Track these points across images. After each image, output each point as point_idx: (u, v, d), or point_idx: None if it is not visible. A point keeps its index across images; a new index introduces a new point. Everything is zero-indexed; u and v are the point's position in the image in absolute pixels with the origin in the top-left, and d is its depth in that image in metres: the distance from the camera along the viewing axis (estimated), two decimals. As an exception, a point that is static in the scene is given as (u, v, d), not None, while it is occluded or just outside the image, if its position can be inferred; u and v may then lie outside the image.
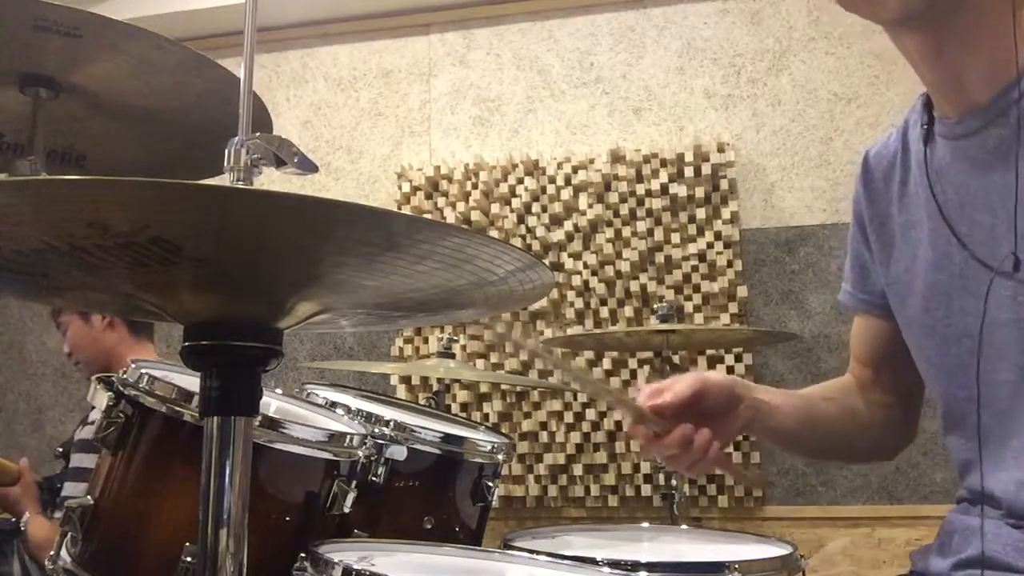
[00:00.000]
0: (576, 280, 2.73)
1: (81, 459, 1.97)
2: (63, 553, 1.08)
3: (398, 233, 0.63)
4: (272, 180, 0.91)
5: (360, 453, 1.14)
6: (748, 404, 1.08)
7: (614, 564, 1.07)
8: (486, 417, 2.71)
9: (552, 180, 2.80)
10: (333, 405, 1.32)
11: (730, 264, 2.66)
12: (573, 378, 1.05)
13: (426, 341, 2.82)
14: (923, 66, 0.98)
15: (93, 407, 2.02)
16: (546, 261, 2.57)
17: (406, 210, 2.88)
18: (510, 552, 1.14)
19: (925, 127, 1.02)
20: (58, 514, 2.01)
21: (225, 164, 0.81)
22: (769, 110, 2.77)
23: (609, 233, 2.73)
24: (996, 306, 0.93)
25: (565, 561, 1.06)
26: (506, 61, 3.00)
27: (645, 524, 1.57)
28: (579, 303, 2.73)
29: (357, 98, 3.12)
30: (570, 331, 2.67)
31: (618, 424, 2.65)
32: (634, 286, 2.69)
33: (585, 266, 2.74)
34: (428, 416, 1.57)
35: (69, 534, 1.08)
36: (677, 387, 1.03)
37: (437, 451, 1.30)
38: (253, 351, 0.73)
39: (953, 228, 0.97)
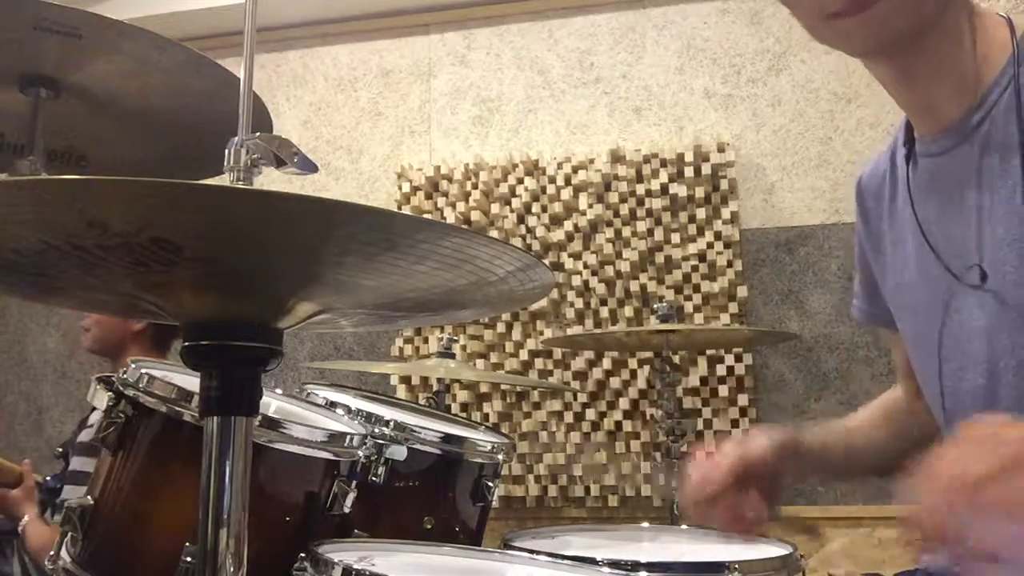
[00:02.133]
0: (576, 280, 2.73)
1: (81, 463, 1.97)
2: (63, 553, 1.08)
3: (398, 233, 0.63)
4: (272, 180, 0.91)
5: (360, 453, 1.14)
6: (793, 459, 1.13)
7: (614, 564, 1.07)
8: (486, 417, 2.71)
9: (552, 180, 2.80)
10: (333, 405, 1.32)
11: (730, 264, 2.66)
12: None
13: (426, 341, 2.82)
14: (895, 91, 1.02)
15: (92, 409, 2.01)
16: (546, 261, 2.57)
17: (406, 210, 2.88)
18: (510, 552, 1.14)
19: (907, 146, 1.05)
20: (57, 517, 2.00)
21: (225, 164, 0.81)
22: (769, 110, 2.77)
23: (609, 233, 2.73)
24: (968, 316, 0.96)
25: (565, 561, 1.06)
26: (506, 61, 3.00)
27: (645, 524, 1.57)
28: (579, 303, 2.73)
29: (357, 98, 3.12)
30: (570, 331, 2.67)
31: (618, 424, 2.65)
32: (634, 286, 2.69)
33: (585, 266, 2.74)
34: (428, 416, 1.57)
35: (69, 534, 1.08)
36: (717, 475, 1.08)
37: (437, 451, 1.30)
38: (253, 351, 0.73)
39: (931, 243, 1.00)
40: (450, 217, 2.84)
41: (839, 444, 1.20)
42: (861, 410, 1.29)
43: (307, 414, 1.29)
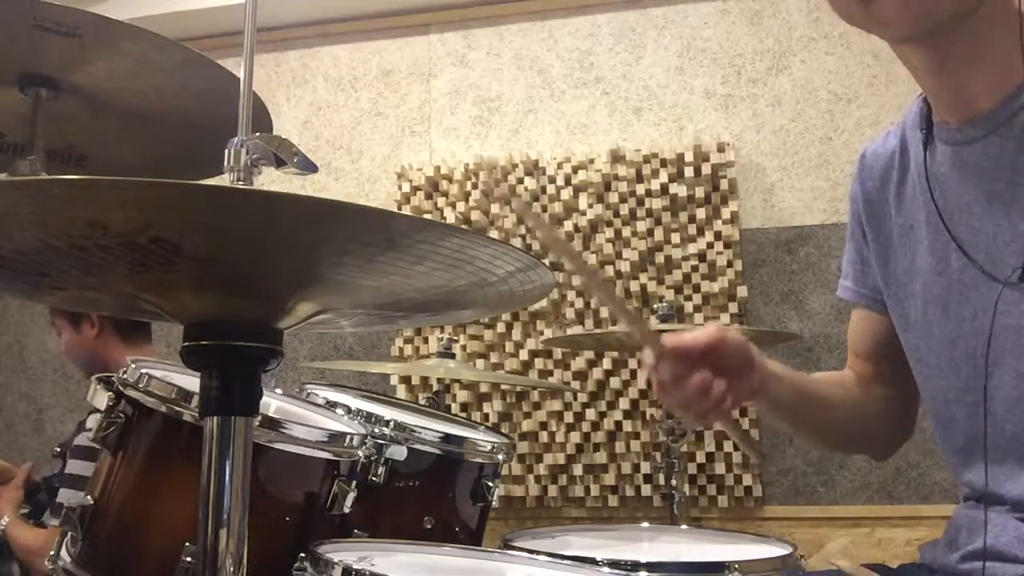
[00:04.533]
0: (576, 280, 2.73)
1: (79, 467, 1.96)
2: (63, 553, 1.08)
3: (398, 233, 0.63)
4: (272, 180, 0.91)
5: (360, 453, 1.14)
6: (760, 369, 1.06)
7: (614, 564, 1.07)
8: (486, 417, 2.71)
9: (552, 180, 2.80)
10: (333, 405, 1.32)
11: (730, 264, 2.66)
12: (598, 290, 1.03)
13: (426, 341, 2.82)
14: (925, 77, 0.99)
15: (90, 413, 2.01)
16: (546, 261, 2.56)
17: (406, 210, 2.88)
18: (510, 552, 1.14)
19: (924, 131, 1.02)
20: (54, 521, 1.99)
21: (225, 164, 0.81)
22: (769, 110, 2.77)
23: (609, 233, 2.73)
24: (997, 313, 0.94)
25: (565, 561, 1.06)
26: (506, 61, 3.00)
27: (645, 524, 1.57)
28: (579, 303, 2.73)
29: (357, 98, 3.12)
30: (570, 331, 2.67)
31: (618, 424, 2.65)
32: (634, 286, 2.69)
33: (585, 266, 2.73)
34: (428, 416, 1.57)
35: (69, 534, 1.08)
36: (699, 333, 1.00)
37: (437, 451, 1.30)
38: (253, 351, 0.73)
39: (952, 234, 0.98)
40: (450, 217, 2.84)
41: (799, 383, 1.15)
42: (817, 373, 1.24)
43: (307, 414, 1.29)
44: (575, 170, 2.79)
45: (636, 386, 2.66)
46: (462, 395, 2.75)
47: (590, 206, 2.75)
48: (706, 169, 2.70)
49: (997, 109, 0.93)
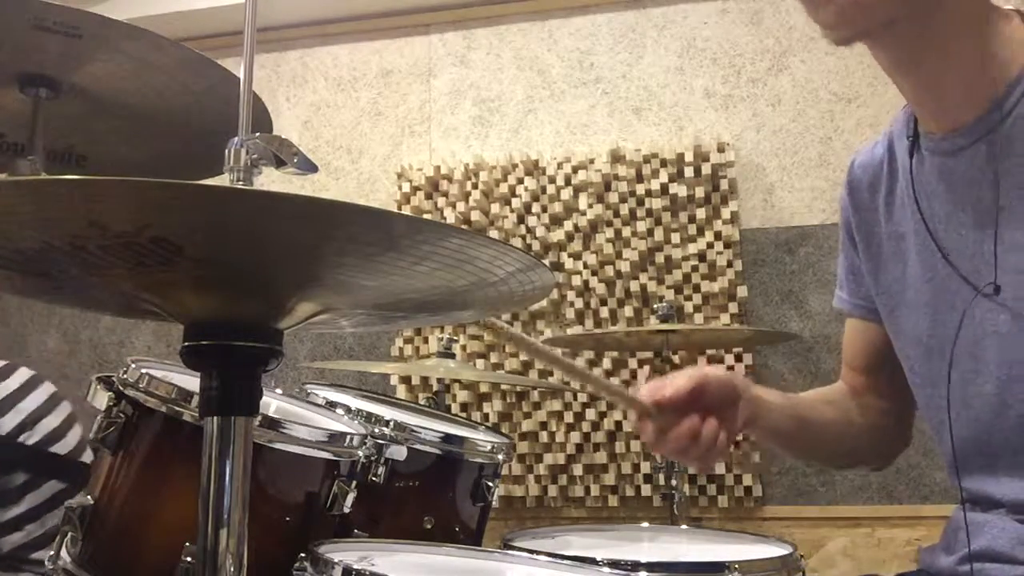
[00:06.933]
0: (576, 280, 2.73)
1: None
2: (63, 553, 1.08)
3: (398, 234, 0.63)
4: (272, 180, 0.91)
5: (360, 453, 1.14)
6: (747, 400, 1.08)
7: (614, 564, 1.07)
8: (486, 417, 2.71)
9: (552, 180, 2.80)
10: (333, 405, 1.32)
11: (730, 264, 2.66)
12: (575, 376, 1.05)
13: (426, 341, 2.82)
14: (903, 84, 1.00)
15: None
16: (546, 261, 2.56)
17: (406, 210, 2.88)
18: (510, 552, 1.14)
19: (911, 139, 1.03)
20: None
21: (225, 164, 0.81)
22: (769, 110, 2.77)
23: (609, 233, 2.73)
24: (979, 322, 0.95)
25: (565, 561, 1.06)
26: (506, 61, 3.00)
27: (645, 524, 1.57)
28: (579, 303, 2.73)
29: (357, 98, 3.12)
30: (570, 331, 2.67)
31: (618, 424, 2.65)
32: (634, 286, 2.69)
33: (585, 266, 2.73)
34: (428, 416, 1.58)
35: (69, 534, 1.08)
36: (677, 381, 1.03)
37: (437, 451, 1.30)
38: (253, 351, 0.73)
39: (938, 243, 0.98)
40: (450, 217, 2.84)
41: (790, 407, 1.16)
42: (808, 392, 1.26)
43: (307, 414, 1.29)
44: (575, 170, 2.78)
45: (636, 386, 2.65)
46: (462, 395, 2.75)
47: (590, 206, 2.75)
48: (706, 169, 2.70)
49: (980, 120, 0.94)
